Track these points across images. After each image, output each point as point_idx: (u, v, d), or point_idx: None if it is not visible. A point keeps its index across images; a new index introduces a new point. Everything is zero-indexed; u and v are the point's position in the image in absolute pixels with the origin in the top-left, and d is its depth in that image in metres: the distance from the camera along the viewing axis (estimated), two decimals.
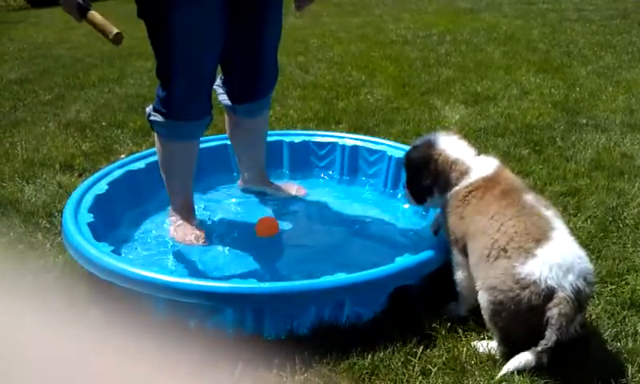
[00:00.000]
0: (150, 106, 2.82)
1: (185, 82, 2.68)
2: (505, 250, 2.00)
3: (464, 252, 2.21)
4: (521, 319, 1.97)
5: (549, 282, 1.91)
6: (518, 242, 1.99)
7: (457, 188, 2.26)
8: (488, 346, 2.09)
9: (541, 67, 5.78)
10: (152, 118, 2.79)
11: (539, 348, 1.92)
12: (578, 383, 1.94)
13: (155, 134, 2.85)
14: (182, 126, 2.76)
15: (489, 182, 2.20)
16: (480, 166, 2.28)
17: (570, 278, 1.92)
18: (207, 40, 2.65)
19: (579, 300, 1.92)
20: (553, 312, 1.89)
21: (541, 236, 1.99)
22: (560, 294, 1.90)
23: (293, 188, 3.32)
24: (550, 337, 1.90)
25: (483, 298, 2.04)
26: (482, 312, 2.07)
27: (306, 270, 2.55)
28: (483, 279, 2.06)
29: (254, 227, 2.88)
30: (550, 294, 1.91)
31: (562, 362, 1.99)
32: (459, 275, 2.26)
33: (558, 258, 1.94)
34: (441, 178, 2.31)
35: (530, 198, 2.14)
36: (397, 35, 7.64)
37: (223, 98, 3.06)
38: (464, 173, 2.26)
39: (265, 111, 3.15)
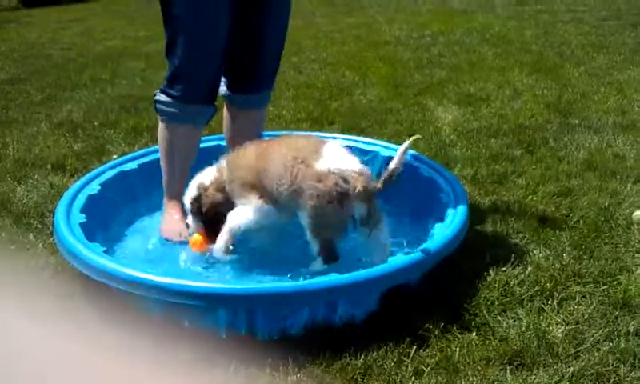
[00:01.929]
0: (158, 91, 2.87)
1: (188, 60, 2.74)
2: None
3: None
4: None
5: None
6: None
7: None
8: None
9: (534, 68, 5.80)
10: (157, 97, 2.84)
11: None
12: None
13: (159, 120, 2.90)
14: (186, 108, 2.80)
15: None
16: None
17: None
18: (214, 18, 2.70)
19: None
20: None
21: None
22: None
23: None
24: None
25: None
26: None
27: (298, 271, 2.55)
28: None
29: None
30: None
31: (556, 355, 2.00)
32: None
33: None
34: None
35: None
36: (390, 36, 7.66)
37: (222, 89, 3.06)
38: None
39: (261, 108, 3.14)
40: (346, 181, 2.34)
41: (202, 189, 2.65)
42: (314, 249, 2.45)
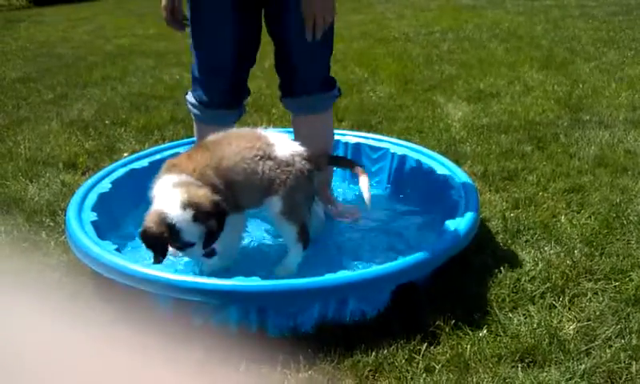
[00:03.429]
0: (189, 90, 2.95)
1: (199, 67, 2.80)
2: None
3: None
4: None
5: None
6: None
7: None
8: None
9: (544, 64, 5.77)
10: (187, 96, 2.93)
11: None
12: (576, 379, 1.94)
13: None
14: (207, 112, 2.85)
15: None
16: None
17: None
18: (214, 29, 2.72)
19: None
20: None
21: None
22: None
23: (351, 212, 3.03)
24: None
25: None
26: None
27: (307, 268, 2.55)
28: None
29: None
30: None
31: (567, 351, 2.00)
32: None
33: None
34: None
35: None
36: (399, 32, 7.64)
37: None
38: None
39: (311, 114, 2.91)
40: (308, 159, 2.50)
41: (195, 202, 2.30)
42: (291, 236, 2.51)
